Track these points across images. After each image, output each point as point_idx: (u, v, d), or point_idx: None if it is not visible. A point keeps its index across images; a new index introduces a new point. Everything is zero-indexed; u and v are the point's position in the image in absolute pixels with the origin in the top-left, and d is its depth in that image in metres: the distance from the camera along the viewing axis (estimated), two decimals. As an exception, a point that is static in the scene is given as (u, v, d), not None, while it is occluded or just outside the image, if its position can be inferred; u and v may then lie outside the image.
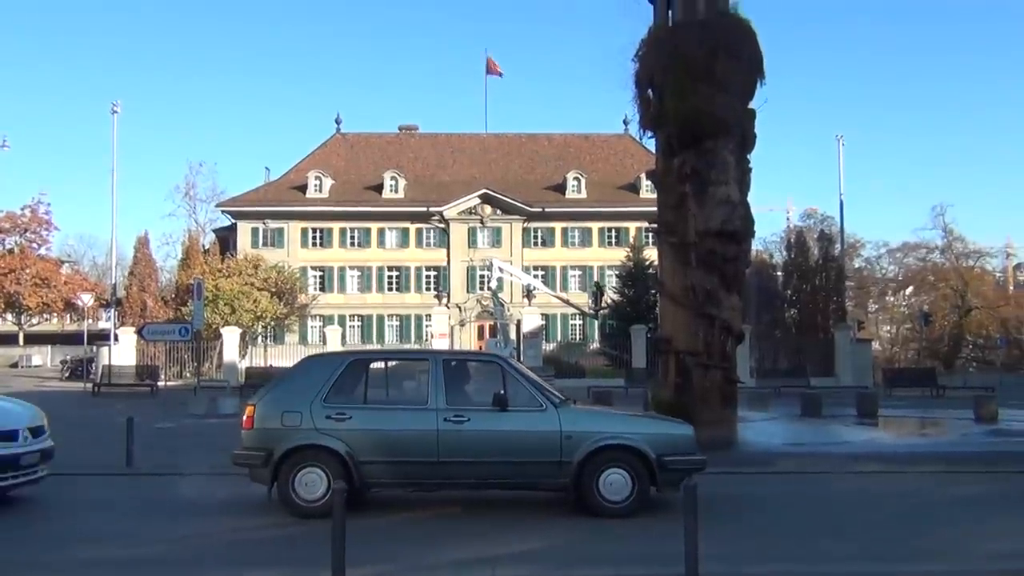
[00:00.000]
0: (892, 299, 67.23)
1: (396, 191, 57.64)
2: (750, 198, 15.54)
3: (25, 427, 9.04)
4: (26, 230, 61.37)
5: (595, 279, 52.49)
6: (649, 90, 15.72)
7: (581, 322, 55.22)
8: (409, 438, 8.45)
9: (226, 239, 57.39)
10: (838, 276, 46.74)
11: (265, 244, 55.64)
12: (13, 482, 8.81)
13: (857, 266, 63.10)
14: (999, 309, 57.52)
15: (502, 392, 8.51)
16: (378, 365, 9.50)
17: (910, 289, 64.14)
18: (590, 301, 46.30)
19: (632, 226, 54.44)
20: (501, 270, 45.23)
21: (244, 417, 8.78)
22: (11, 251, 60.80)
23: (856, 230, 68.86)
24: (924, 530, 8.34)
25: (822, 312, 45.03)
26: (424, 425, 8.42)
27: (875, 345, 51.39)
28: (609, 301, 43.93)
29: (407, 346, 50.43)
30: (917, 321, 52.31)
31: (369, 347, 50.31)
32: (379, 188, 57.61)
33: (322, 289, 55.94)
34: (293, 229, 56.91)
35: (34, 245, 61.95)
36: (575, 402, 9.39)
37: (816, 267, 46.66)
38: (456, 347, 44.69)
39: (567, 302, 49.83)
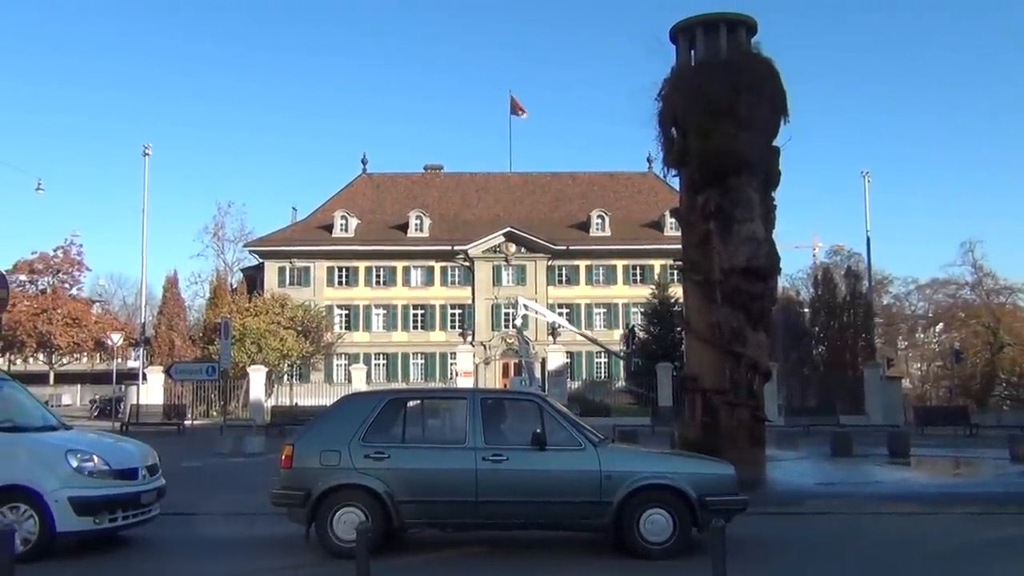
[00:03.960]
0: (922, 336, 66.28)
1: (421, 230, 58.06)
2: (776, 235, 15.54)
3: (143, 465, 9.05)
4: (58, 271, 62.34)
5: (624, 320, 52.39)
6: (673, 128, 15.84)
7: (606, 360, 54.93)
8: (447, 477, 8.38)
9: (253, 278, 57.98)
10: (866, 313, 46.23)
11: (292, 283, 56.15)
12: (133, 521, 8.81)
13: (886, 303, 62.37)
14: (1032, 346, 56.41)
15: (540, 431, 8.44)
16: (416, 404, 9.45)
17: (940, 326, 63.19)
18: (622, 344, 46.08)
19: (657, 264, 54.41)
20: (527, 308, 45.25)
21: (282, 456, 8.77)
22: (43, 292, 61.74)
23: (884, 266, 68.04)
24: (959, 574, 8.15)
25: (851, 349, 44.48)
26: (462, 464, 8.36)
27: (905, 383, 50.65)
28: (635, 343, 43.76)
29: (432, 384, 50.39)
30: (948, 359, 51.47)
31: (396, 386, 50.32)
32: (404, 227, 58.07)
33: (348, 327, 56.21)
34: (319, 268, 57.40)
35: (66, 285, 62.87)
36: (614, 441, 9.30)
37: (844, 304, 46.18)
38: (481, 385, 44.58)
39: (594, 341, 49.65)
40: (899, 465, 18.73)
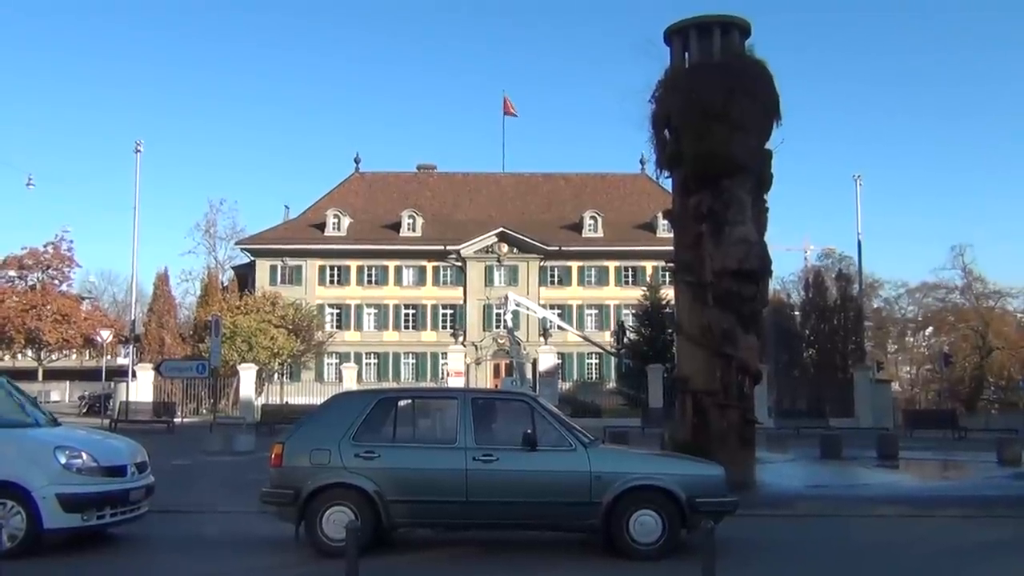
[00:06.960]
0: (912, 340, 66.59)
1: (413, 230, 58.03)
2: (767, 238, 15.58)
3: (132, 462, 9.02)
4: (48, 267, 62.00)
5: (614, 319, 52.39)
6: (666, 131, 15.85)
7: (597, 361, 55.02)
8: (437, 477, 8.37)
9: (245, 276, 57.80)
10: (857, 316, 46.43)
11: (283, 281, 56.01)
12: (121, 518, 8.78)
13: (876, 306, 62.63)
14: (1021, 350, 56.80)
15: (531, 431, 8.44)
16: (406, 403, 9.44)
17: (930, 330, 63.52)
18: (613, 340, 46.13)
19: (649, 265, 54.47)
20: (517, 304, 45.25)
21: (272, 455, 8.74)
22: (33, 287, 61.42)
23: (874, 270, 68.37)
24: (947, 576, 8.19)
25: (841, 352, 44.70)
26: (453, 464, 8.34)
27: (895, 386, 50.85)
28: (626, 340, 43.84)
29: (423, 384, 50.34)
30: (937, 362, 51.72)
31: (386, 385, 50.23)
32: (396, 227, 58.03)
33: (339, 326, 56.12)
34: (311, 267, 57.32)
35: (56, 281, 62.53)
36: (604, 442, 9.27)
37: (834, 307, 46.39)
38: (472, 385, 44.58)
39: (585, 338, 49.68)
40: (888, 468, 18.78)
